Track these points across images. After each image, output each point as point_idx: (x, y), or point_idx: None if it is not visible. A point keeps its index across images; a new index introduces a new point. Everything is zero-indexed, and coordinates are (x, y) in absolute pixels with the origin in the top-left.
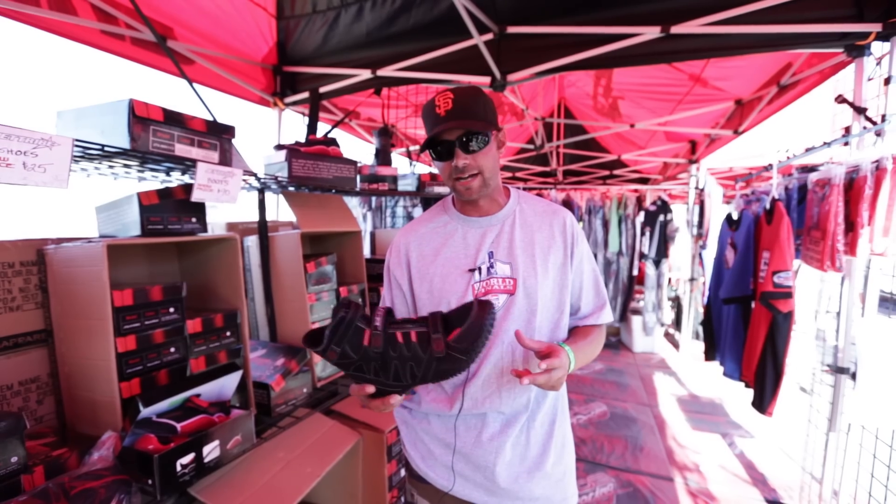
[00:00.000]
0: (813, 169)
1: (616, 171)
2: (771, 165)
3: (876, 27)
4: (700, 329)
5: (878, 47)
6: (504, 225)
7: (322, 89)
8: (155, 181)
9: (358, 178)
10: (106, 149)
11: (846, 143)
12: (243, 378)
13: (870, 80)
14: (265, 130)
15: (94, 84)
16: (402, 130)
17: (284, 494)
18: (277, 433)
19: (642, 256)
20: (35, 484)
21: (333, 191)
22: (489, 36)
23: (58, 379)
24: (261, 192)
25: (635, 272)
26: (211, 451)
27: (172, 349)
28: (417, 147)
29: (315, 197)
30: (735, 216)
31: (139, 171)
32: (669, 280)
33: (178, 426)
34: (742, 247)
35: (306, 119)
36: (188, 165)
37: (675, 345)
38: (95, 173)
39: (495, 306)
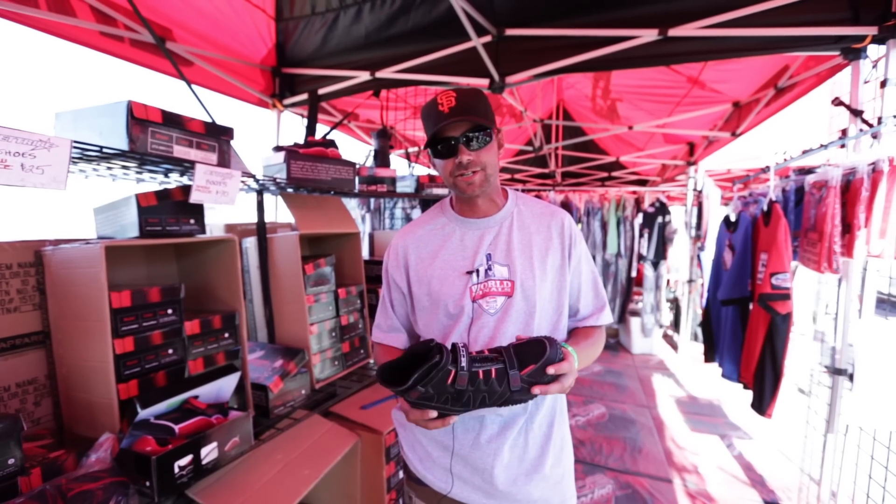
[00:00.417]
0: (810, 171)
1: (614, 173)
2: (768, 167)
3: (872, 30)
4: (699, 330)
5: (874, 50)
6: (502, 227)
7: (321, 91)
8: (153, 183)
9: (356, 179)
10: (104, 150)
11: (843, 146)
12: (241, 380)
13: (866, 82)
14: (264, 132)
15: (92, 85)
16: (400, 132)
17: (282, 496)
18: (275, 435)
19: (641, 258)
20: (32, 486)
21: (332, 192)
22: (487, 38)
23: (55, 380)
24: (259, 193)
25: (634, 274)
26: (209, 452)
27: (170, 351)
28: (416, 149)
29: (313, 198)
30: (733, 218)
31: (137, 172)
32: (668, 282)
33: (176, 428)
34: (740, 248)
35: (305, 121)
36: (187, 167)
37: (674, 346)
38: (94, 175)
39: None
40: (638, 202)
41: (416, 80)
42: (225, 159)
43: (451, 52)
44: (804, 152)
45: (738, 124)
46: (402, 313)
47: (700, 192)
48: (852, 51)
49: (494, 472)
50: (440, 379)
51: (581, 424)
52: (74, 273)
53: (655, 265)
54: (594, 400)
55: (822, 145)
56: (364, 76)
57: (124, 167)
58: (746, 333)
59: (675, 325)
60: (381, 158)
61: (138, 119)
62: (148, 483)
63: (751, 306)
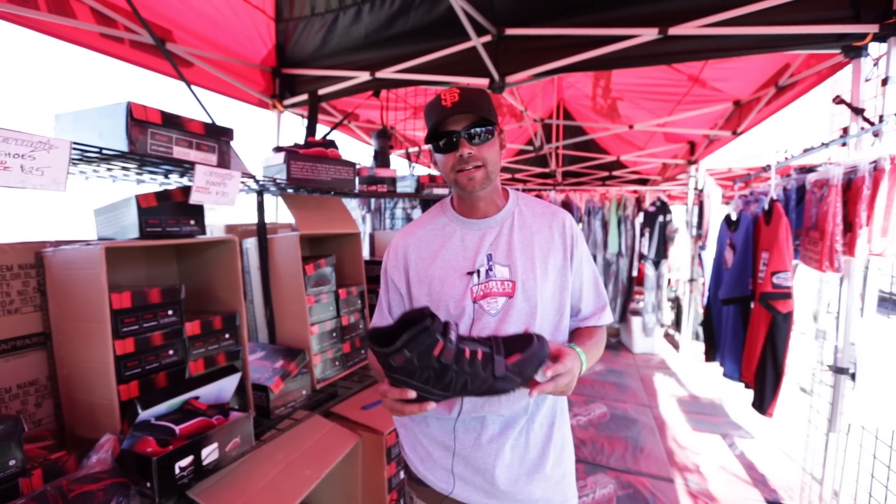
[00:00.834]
0: (811, 170)
1: (615, 172)
2: (769, 166)
3: (873, 28)
4: (700, 330)
5: (875, 48)
6: (503, 227)
7: (321, 91)
8: (153, 184)
9: (357, 179)
10: (104, 152)
11: (844, 144)
12: (242, 380)
13: (867, 80)
14: (264, 133)
15: (92, 87)
16: (400, 132)
17: (283, 497)
18: (276, 435)
19: (642, 257)
20: (33, 487)
21: (332, 193)
22: (487, 38)
23: (56, 382)
24: (259, 194)
25: (635, 273)
26: (210, 453)
27: (171, 351)
28: (416, 149)
29: (314, 199)
30: (734, 217)
31: (137, 173)
32: (669, 281)
33: (177, 429)
34: (741, 247)
35: (305, 121)
36: (186, 168)
37: (675, 345)
38: (94, 176)
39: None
40: (639, 201)
41: (416, 81)
42: (225, 160)
43: (451, 52)
44: (805, 151)
45: (738, 123)
46: (398, 315)
47: (701, 190)
48: (853, 49)
49: (496, 472)
50: (427, 348)
51: (582, 424)
52: (75, 274)
53: (656, 264)
54: (595, 399)
55: (823, 144)
56: (364, 76)
57: (124, 168)
58: (747, 332)
59: (677, 324)
60: (382, 158)
61: (138, 120)
62: (149, 484)
63: (752, 305)
